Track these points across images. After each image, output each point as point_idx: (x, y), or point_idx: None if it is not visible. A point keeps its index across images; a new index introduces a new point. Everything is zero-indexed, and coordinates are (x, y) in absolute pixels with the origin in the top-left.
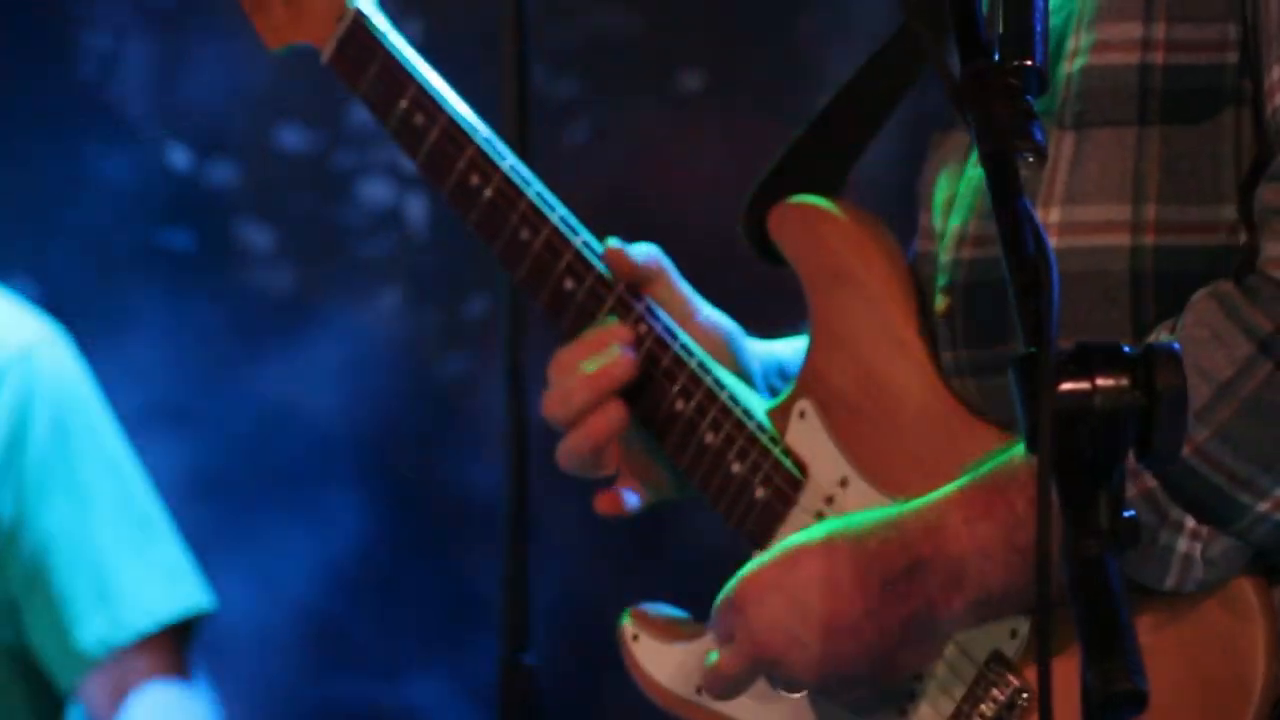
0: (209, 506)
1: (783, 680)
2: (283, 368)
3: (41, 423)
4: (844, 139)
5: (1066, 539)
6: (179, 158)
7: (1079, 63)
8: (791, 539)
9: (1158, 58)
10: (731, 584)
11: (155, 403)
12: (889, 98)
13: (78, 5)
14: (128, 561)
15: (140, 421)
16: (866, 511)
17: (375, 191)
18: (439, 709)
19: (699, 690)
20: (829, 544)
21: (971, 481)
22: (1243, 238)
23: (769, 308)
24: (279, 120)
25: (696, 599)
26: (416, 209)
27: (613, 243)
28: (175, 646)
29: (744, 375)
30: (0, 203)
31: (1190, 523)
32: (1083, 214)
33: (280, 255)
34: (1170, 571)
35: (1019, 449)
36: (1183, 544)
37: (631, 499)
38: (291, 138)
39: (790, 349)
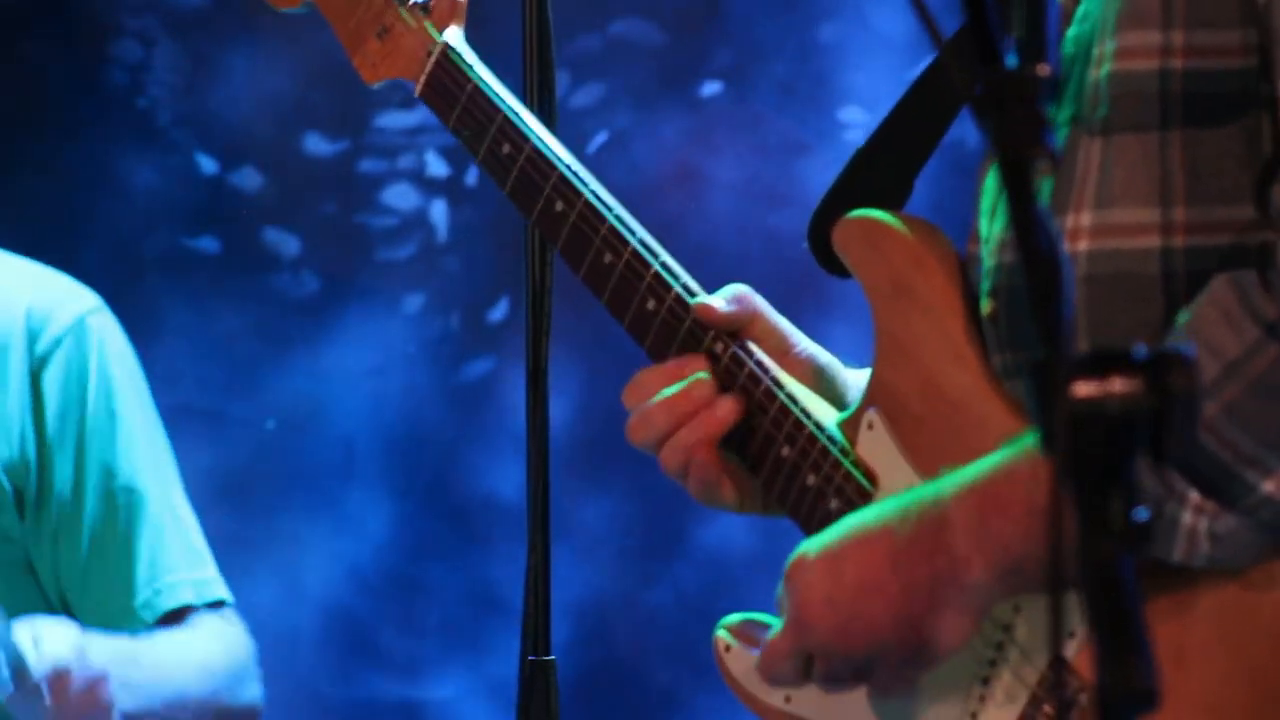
0: (235, 507)
1: (821, 660)
2: (308, 370)
3: (98, 390)
4: (906, 151)
5: (1081, 540)
6: (206, 164)
7: (1104, 70)
8: (847, 517)
9: (1177, 63)
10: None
11: (183, 404)
12: (950, 108)
13: (108, 15)
14: (167, 541)
15: (168, 423)
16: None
17: (399, 197)
18: (460, 706)
19: (788, 699)
20: (875, 516)
21: (997, 455)
22: (1270, 235)
23: (789, 307)
24: (304, 127)
25: (715, 600)
26: (440, 214)
27: (701, 298)
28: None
29: (843, 408)
30: (32, 207)
31: (1195, 497)
32: (1113, 218)
33: (305, 260)
34: (1176, 545)
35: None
36: (1187, 517)
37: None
38: (317, 145)
39: None
